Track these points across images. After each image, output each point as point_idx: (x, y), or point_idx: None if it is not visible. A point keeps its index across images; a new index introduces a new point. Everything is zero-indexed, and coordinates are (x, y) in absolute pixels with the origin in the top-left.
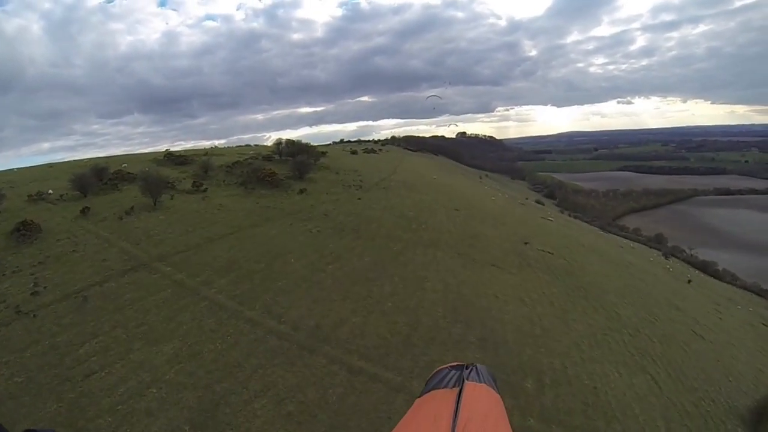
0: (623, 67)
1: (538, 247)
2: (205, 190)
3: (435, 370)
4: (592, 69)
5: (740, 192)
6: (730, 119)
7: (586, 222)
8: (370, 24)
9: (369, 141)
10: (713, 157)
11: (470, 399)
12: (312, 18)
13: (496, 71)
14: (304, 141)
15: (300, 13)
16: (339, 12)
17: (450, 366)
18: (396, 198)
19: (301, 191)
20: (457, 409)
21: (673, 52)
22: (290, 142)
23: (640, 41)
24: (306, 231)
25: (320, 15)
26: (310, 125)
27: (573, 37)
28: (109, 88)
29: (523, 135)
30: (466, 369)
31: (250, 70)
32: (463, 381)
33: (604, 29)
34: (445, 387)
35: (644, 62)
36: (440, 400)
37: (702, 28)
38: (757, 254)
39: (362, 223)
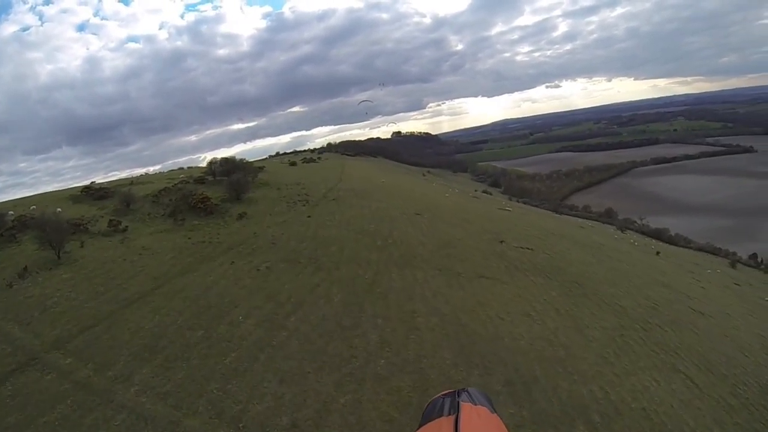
0: (548, 53)
1: (514, 244)
2: (124, 230)
3: (428, 402)
4: (518, 57)
5: (675, 159)
6: (653, 93)
7: (535, 206)
8: (296, 33)
9: (305, 151)
10: (644, 129)
11: (468, 422)
12: (236, 32)
13: (424, 68)
14: (239, 158)
15: (224, 28)
16: (263, 24)
17: (442, 394)
18: (350, 210)
19: (241, 216)
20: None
21: (595, 35)
22: (224, 160)
23: (563, 27)
24: (252, 270)
25: (244, 28)
26: (244, 141)
27: (497, 28)
28: (33, 122)
29: (458, 128)
30: (459, 394)
31: (178, 91)
32: (459, 405)
33: (526, 18)
34: (440, 415)
35: (568, 47)
36: (438, 428)
37: (620, 10)
38: (701, 215)
39: (319, 247)
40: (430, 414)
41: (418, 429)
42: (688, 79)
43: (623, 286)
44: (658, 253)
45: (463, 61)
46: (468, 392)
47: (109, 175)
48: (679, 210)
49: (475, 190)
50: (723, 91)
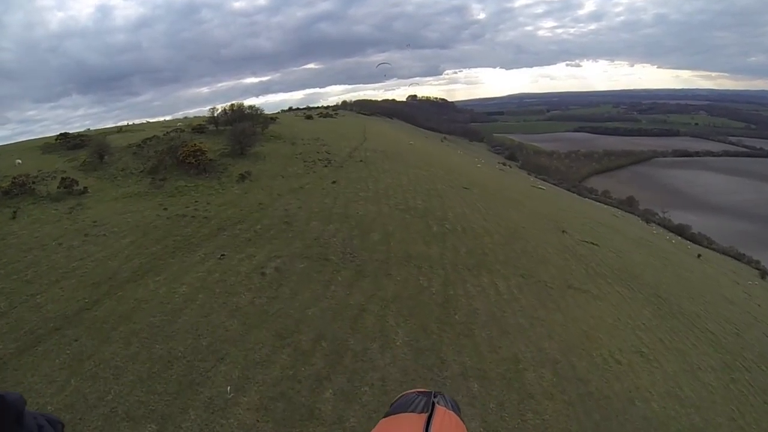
0: (572, 30)
1: (577, 237)
2: (81, 192)
3: (400, 395)
4: (540, 32)
5: (697, 154)
6: (675, 83)
7: (554, 184)
8: None
9: (320, 107)
10: (664, 119)
11: (439, 424)
12: None
13: (444, 35)
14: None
15: None
16: None
17: (417, 391)
18: (385, 176)
19: (243, 177)
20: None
21: (622, 17)
22: (230, 107)
23: (589, 6)
24: (253, 273)
25: None
26: (257, 95)
27: (522, 0)
28: (43, 70)
29: (473, 97)
30: (434, 395)
31: (191, 43)
32: (434, 405)
33: None
34: (413, 411)
35: (593, 26)
36: (408, 424)
37: None
38: (721, 216)
39: (355, 233)
40: (401, 407)
41: (384, 418)
42: (712, 74)
43: (699, 301)
44: (699, 256)
45: (483, 31)
46: (443, 396)
47: (118, 124)
48: (699, 207)
49: (499, 162)
50: (747, 90)
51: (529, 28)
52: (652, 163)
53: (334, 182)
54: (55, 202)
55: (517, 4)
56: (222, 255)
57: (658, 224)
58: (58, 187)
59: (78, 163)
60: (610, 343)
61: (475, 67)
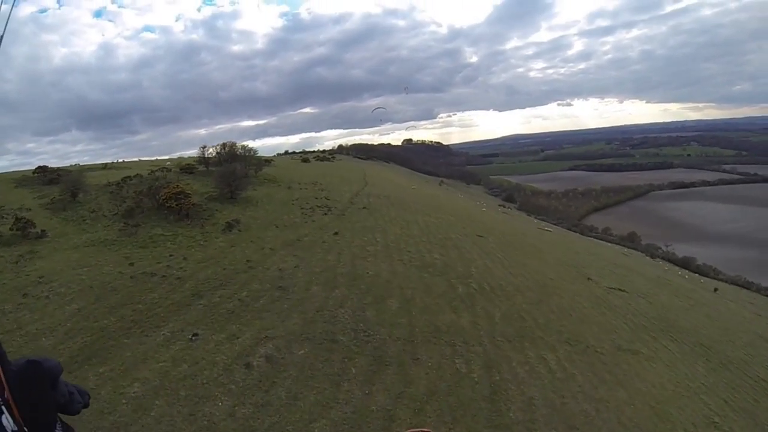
0: (562, 70)
1: (604, 284)
2: (39, 236)
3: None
4: (532, 74)
5: (693, 185)
6: (664, 117)
7: (555, 224)
8: (311, 34)
9: (316, 151)
10: (657, 153)
11: None
12: (252, 29)
13: (437, 78)
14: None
15: (240, 24)
16: (279, 23)
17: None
18: (393, 225)
19: (230, 225)
20: None
21: (609, 56)
22: (221, 146)
23: (578, 46)
24: (235, 364)
25: (260, 26)
26: (253, 138)
27: (513, 43)
28: (44, 103)
29: (467, 140)
30: None
31: (190, 84)
32: None
33: (542, 35)
34: None
35: (582, 66)
36: None
37: (635, 32)
38: (723, 245)
39: (368, 301)
40: None
41: None
42: (700, 105)
43: (738, 344)
44: (715, 290)
45: (476, 74)
46: None
47: (116, 162)
48: (701, 238)
49: (500, 206)
50: (734, 119)
51: (520, 69)
52: (649, 197)
53: (336, 233)
54: (3, 246)
55: (508, 47)
56: (194, 335)
57: (663, 258)
58: (10, 229)
59: (48, 200)
60: (682, 417)
61: (469, 109)
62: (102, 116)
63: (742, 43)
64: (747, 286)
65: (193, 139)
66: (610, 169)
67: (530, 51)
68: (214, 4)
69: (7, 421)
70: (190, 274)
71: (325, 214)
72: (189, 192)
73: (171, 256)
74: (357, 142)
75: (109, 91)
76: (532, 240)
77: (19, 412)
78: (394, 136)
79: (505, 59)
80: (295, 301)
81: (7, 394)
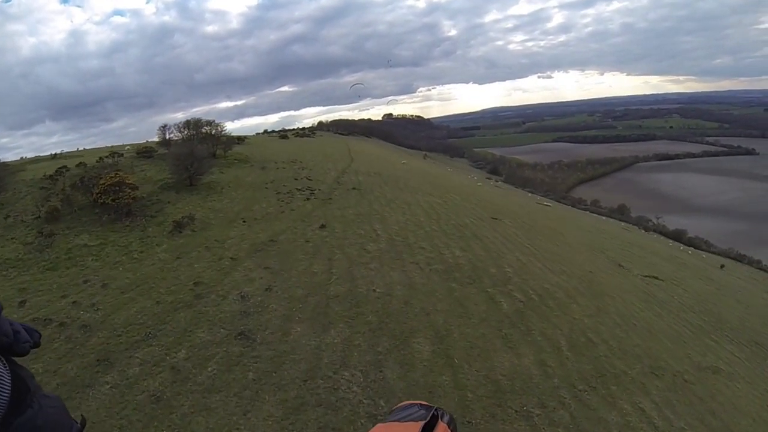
0: (542, 43)
1: (636, 271)
2: None
3: (403, 403)
4: (511, 46)
5: (678, 156)
6: (645, 89)
7: (543, 197)
8: (287, 11)
9: (296, 129)
10: (639, 125)
11: None
12: (226, 9)
13: (416, 52)
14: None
15: (213, 4)
16: (254, 1)
17: (419, 403)
18: (393, 209)
19: (180, 225)
20: None
21: (590, 28)
22: (184, 123)
23: (558, 18)
24: None
25: (234, 5)
26: (232, 120)
27: (492, 15)
28: (15, 96)
29: (448, 113)
30: (438, 411)
31: (165, 68)
32: (436, 419)
33: (522, 7)
34: (411, 420)
35: (562, 38)
36: (402, 430)
37: (616, 4)
38: (711, 217)
39: (383, 343)
40: (400, 416)
41: (378, 423)
42: (680, 78)
43: None
44: (722, 266)
45: (455, 47)
46: (446, 413)
47: (73, 152)
48: (688, 209)
49: (490, 179)
50: (714, 92)
51: (500, 42)
52: (635, 168)
53: (323, 227)
54: None
55: (487, 20)
56: None
57: (655, 231)
58: None
59: None
60: None
61: (449, 83)
62: (76, 105)
63: (723, 17)
64: (739, 258)
65: (170, 123)
66: (594, 141)
67: (510, 24)
68: None
69: None
70: (103, 318)
71: (308, 199)
72: (132, 182)
73: (86, 282)
74: (337, 118)
75: (82, 79)
76: (544, 219)
77: None
78: (374, 111)
79: (484, 32)
80: (266, 363)
81: None
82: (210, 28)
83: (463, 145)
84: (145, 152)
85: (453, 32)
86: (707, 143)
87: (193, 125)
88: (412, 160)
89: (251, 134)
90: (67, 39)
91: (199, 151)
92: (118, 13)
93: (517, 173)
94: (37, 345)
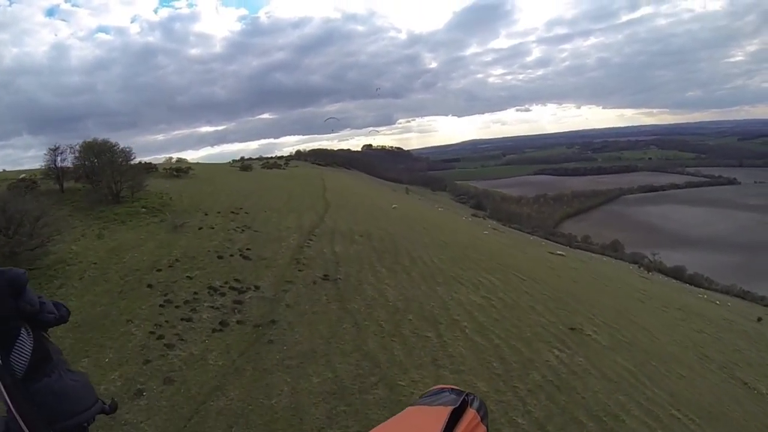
0: (521, 77)
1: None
2: None
3: (434, 388)
4: (491, 79)
5: (663, 188)
6: (620, 122)
7: (528, 233)
8: (270, 38)
9: (272, 157)
10: (619, 156)
11: (466, 425)
12: (210, 32)
13: (396, 84)
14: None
15: (198, 27)
16: (238, 26)
17: (450, 388)
18: (406, 347)
19: None
20: (449, 427)
21: (567, 63)
22: (85, 146)
23: (536, 53)
24: None
25: (218, 29)
26: (212, 145)
27: (472, 49)
28: None
29: (427, 145)
30: (468, 396)
31: (147, 87)
32: (466, 405)
33: (501, 42)
34: (441, 404)
35: (540, 72)
36: (431, 415)
37: (593, 40)
38: (704, 250)
39: None
40: (431, 401)
41: (409, 406)
42: (654, 110)
43: None
44: (759, 319)
45: (435, 79)
46: (476, 399)
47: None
48: (680, 243)
49: (476, 216)
50: (687, 123)
51: (479, 75)
52: (621, 201)
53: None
54: None
55: (468, 53)
56: None
57: (651, 268)
58: None
59: None
60: None
61: (428, 115)
62: (55, 120)
63: (694, 51)
64: (743, 296)
65: (151, 145)
66: (575, 173)
67: (489, 57)
68: (171, 6)
69: None
70: None
71: (221, 327)
72: None
73: None
74: (316, 148)
75: (63, 93)
76: (630, 315)
77: None
78: (354, 141)
79: (465, 65)
80: None
81: None
82: (194, 51)
83: (443, 177)
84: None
85: (434, 64)
86: (688, 174)
87: (92, 147)
88: (399, 198)
89: (227, 161)
90: (50, 52)
91: (22, 205)
92: (103, 30)
93: (502, 207)
94: (63, 319)
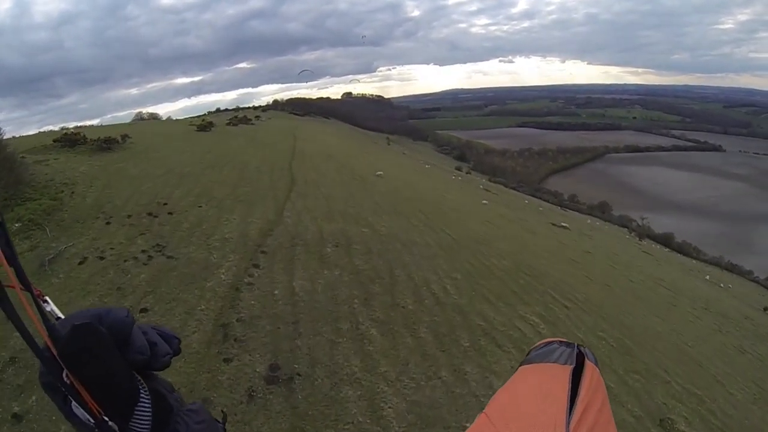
0: (505, 28)
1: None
2: None
3: (541, 342)
4: (474, 30)
5: (648, 149)
6: (604, 78)
7: (513, 188)
8: None
9: (247, 108)
10: (603, 113)
11: (589, 381)
12: None
13: (377, 32)
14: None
15: None
16: None
17: (558, 340)
18: None
19: None
20: (574, 391)
21: (553, 16)
22: None
23: (522, 4)
24: None
25: None
26: (189, 96)
27: None
28: None
29: (407, 94)
30: (579, 348)
31: (117, 41)
32: (584, 358)
33: None
34: (557, 362)
35: (525, 24)
36: (552, 375)
37: None
38: (689, 216)
39: None
40: (545, 355)
41: (525, 363)
42: (639, 70)
43: None
44: (766, 309)
45: (417, 28)
46: (588, 350)
47: (43, 129)
48: (664, 207)
49: (460, 169)
50: (672, 85)
51: (462, 25)
52: (606, 159)
53: None
54: None
55: (450, 2)
56: None
57: (638, 232)
58: None
59: None
60: None
61: (409, 63)
62: (23, 80)
63: (684, 15)
64: (730, 269)
65: (125, 100)
66: (559, 127)
67: (473, 7)
68: None
69: (77, 408)
70: None
71: None
72: None
73: None
74: (295, 97)
75: (29, 52)
76: (639, 310)
77: (90, 393)
78: (334, 89)
79: (447, 14)
80: None
81: (65, 374)
82: (165, 1)
83: (424, 127)
84: None
85: (416, 13)
86: (673, 137)
87: None
88: (381, 154)
89: (203, 113)
90: (12, 9)
91: None
92: None
93: (485, 160)
94: (177, 353)
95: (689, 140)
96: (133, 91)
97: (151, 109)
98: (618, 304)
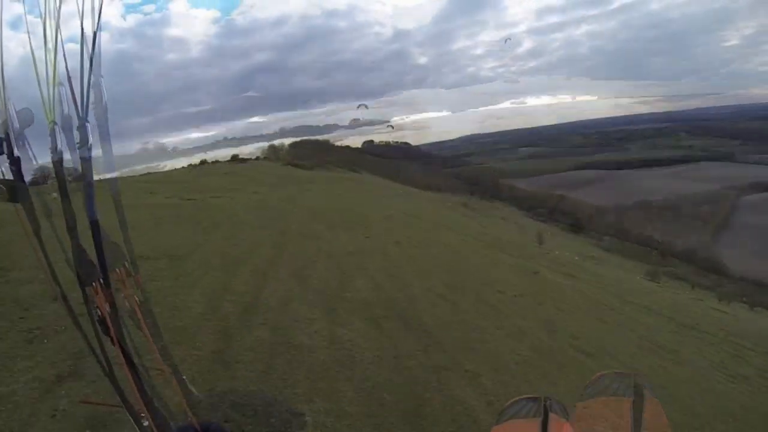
0: (513, 69)
1: None
2: None
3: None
4: (483, 73)
5: None
6: (616, 111)
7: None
8: (249, 39)
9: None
10: (653, 145)
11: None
12: (185, 36)
13: (386, 81)
14: None
15: (171, 32)
16: (213, 29)
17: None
18: None
19: None
20: None
21: (560, 52)
22: None
23: (527, 44)
24: None
25: (193, 33)
26: (205, 151)
27: (461, 42)
28: None
29: (425, 141)
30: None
31: (126, 96)
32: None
33: (490, 34)
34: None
35: (533, 64)
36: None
37: (585, 27)
38: None
39: None
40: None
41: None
42: (650, 98)
43: None
44: None
45: (426, 75)
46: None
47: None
48: None
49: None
50: (685, 110)
51: (471, 69)
52: (742, 206)
53: None
54: None
55: (455, 47)
56: None
57: None
58: None
59: None
60: None
61: (422, 112)
62: (29, 135)
63: (690, 36)
64: None
65: (140, 155)
66: (627, 165)
67: (479, 50)
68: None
69: None
70: None
71: None
72: None
73: None
74: (305, 138)
75: (34, 107)
76: None
77: None
78: (350, 140)
79: (455, 59)
80: None
81: None
82: (171, 56)
83: (475, 175)
84: None
85: (423, 60)
86: (766, 164)
87: None
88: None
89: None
90: (18, 65)
91: None
92: (71, 40)
93: (608, 228)
94: None
95: None
96: (149, 145)
97: (169, 164)
98: None
